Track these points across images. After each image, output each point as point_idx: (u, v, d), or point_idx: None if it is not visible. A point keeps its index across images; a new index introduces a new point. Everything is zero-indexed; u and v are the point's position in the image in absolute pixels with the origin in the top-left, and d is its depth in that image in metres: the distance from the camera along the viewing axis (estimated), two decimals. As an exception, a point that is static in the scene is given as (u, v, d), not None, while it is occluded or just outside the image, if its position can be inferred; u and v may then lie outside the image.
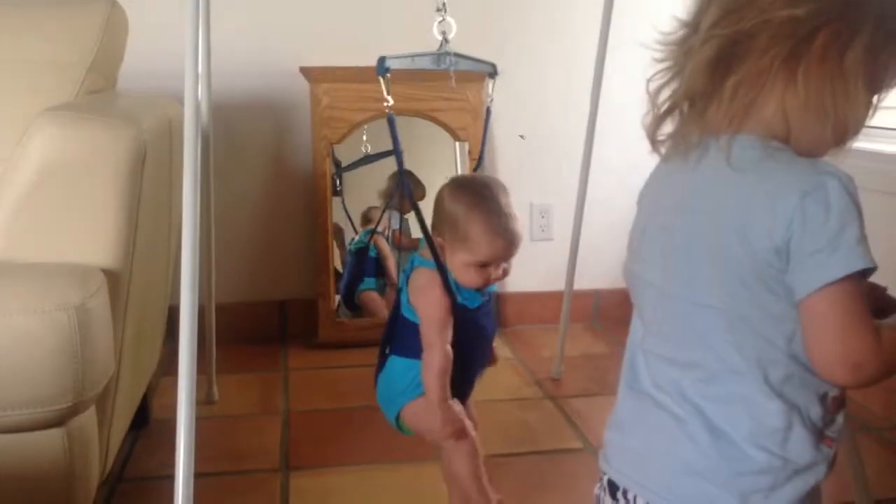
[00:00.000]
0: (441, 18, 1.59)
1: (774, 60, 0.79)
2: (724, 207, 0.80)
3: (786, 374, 0.79)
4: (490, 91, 1.71)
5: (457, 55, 1.61)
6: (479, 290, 1.44)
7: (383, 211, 2.57)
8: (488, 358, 1.53)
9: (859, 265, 0.75)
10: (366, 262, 2.53)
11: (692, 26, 0.83)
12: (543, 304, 2.69)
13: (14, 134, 1.41)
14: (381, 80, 1.49)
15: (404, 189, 1.58)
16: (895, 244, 1.90)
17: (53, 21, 1.73)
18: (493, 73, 1.71)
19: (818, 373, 0.78)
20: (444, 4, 1.60)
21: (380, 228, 2.56)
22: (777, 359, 0.79)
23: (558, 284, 2.32)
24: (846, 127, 0.81)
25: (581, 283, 2.38)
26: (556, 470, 1.77)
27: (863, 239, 0.75)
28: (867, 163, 2.03)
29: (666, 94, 0.85)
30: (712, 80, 0.81)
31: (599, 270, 2.61)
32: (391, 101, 1.48)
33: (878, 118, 2.31)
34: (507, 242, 1.40)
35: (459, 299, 1.42)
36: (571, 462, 1.80)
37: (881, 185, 1.99)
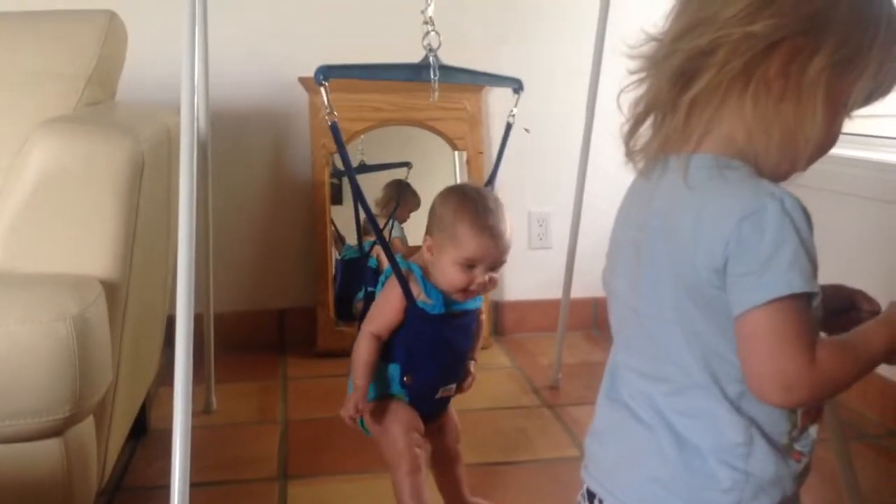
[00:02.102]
0: (427, 31, 1.59)
1: (728, 76, 0.78)
2: (676, 226, 0.80)
3: (741, 389, 0.79)
4: (513, 106, 1.72)
5: (444, 67, 1.61)
6: (461, 293, 1.44)
7: (388, 221, 2.58)
8: (457, 377, 1.53)
9: (786, 290, 0.73)
10: (365, 273, 2.54)
11: (658, 39, 0.84)
12: (542, 312, 2.69)
13: (13, 145, 1.42)
14: (322, 90, 1.47)
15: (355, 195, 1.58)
16: (893, 251, 1.91)
17: (53, 33, 1.74)
18: (518, 89, 1.72)
19: (750, 391, 0.78)
20: (430, 18, 1.60)
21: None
22: (732, 374, 0.79)
23: (557, 292, 2.32)
24: (796, 145, 0.80)
25: (579, 291, 2.38)
26: (553, 478, 1.77)
27: (795, 263, 0.74)
28: (865, 171, 2.04)
29: (639, 105, 0.86)
30: (672, 94, 0.82)
31: (597, 278, 2.58)
32: (332, 111, 1.47)
33: (875, 127, 2.30)
34: (493, 240, 1.41)
35: (419, 303, 1.44)
36: (569, 470, 1.80)
37: (879, 193, 2.00)
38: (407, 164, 2.61)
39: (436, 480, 1.59)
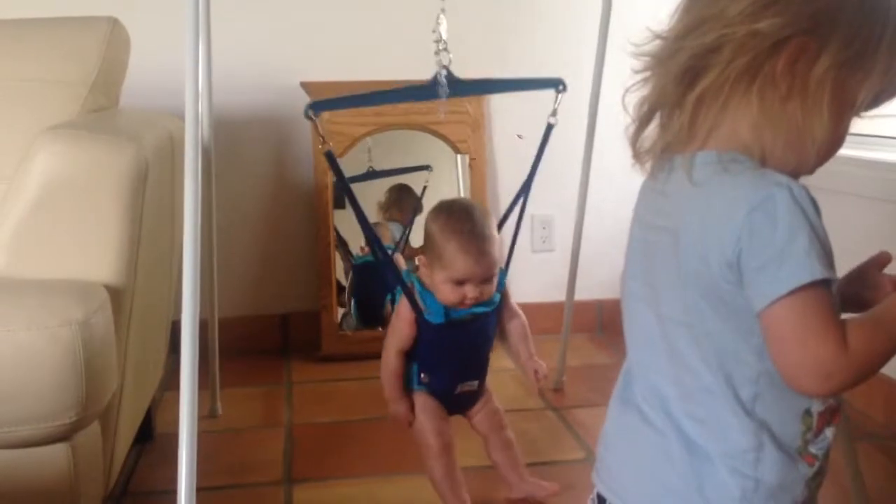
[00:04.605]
0: (440, 49, 1.61)
1: (734, 73, 0.78)
2: (684, 224, 0.80)
3: (756, 391, 0.78)
4: (555, 105, 1.75)
5: (460, 81, 1.63)
6: (459, 306, 1.52)
7: (373, 224, 2.57)
8: (477, 374, 1.62)
9: (807, 277, 0.73)
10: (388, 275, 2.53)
11: (663, 37, 0.83)
12: (545, 315, 2.68)
13: (17, 152, 1.43)
14: (314, 124, 1.53)
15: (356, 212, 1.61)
16: (894, 252, 1.91)
17: (55, 40, 1.75)
18: (561, 89, 1.75)
19: (788, 385, 0.77)
20: (445, 42, 1.61)
21: (387, 242, 2.56)
22: (746, 375, 0.78)
23: (560, 295, 2.33)
24: (803, 144, 0.79)
25: (583, 294, 2.39)
26: (558, 480, 1.76)
27: (812, 250, 0.73)
28: (867, 171, 2.04)
29: (644, 105, 0.85)
30: (678, 92, 0.81)
31: (601, 280, 2.61)
32: (325, 141, 1.54)
33: (877, 127, 2.29)
34: (478, 261, 1.49)
35: (426, 315, 1.52)
36: (574, 472, 1.80)
37: (881, 193, 2.00)
38: (427, 168, 2.60)
39: (495, 466, 1.68)
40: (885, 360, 0.77)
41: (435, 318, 1.53)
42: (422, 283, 1.54)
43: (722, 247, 0.75)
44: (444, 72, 1.61)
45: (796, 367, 0.75)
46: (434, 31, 1.61)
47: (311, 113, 1.51)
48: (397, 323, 1.57)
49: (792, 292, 0.73)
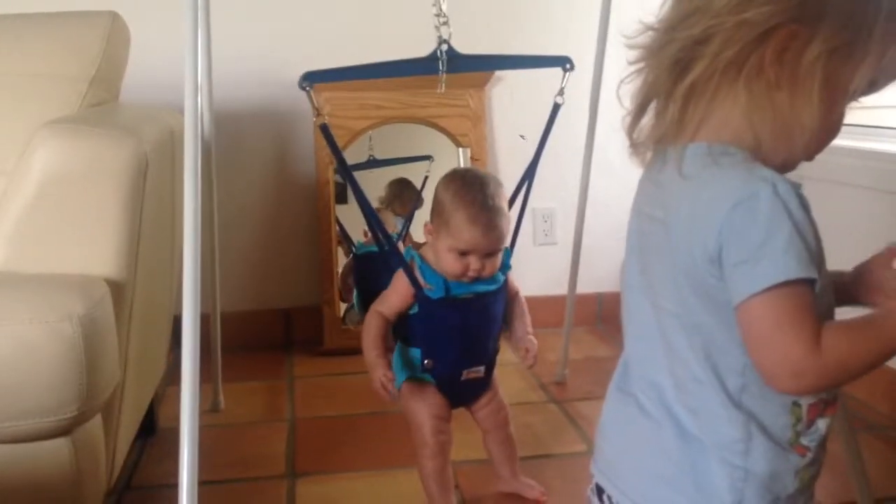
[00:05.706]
0: (440, 23, 1.60)
1: (722, 64, 0.77)
2: (674, 217, 0.80)
3: (742, 383, 0.78)
4: (562, 84, 1.73)
5: (462, 56, 1.62)
6: (459, 279, 1.49)
7: (407, 222, 2.57)
8: (483, 359, 1.58)
9: (782, 276, 0.72)
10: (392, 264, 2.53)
11: (655, 28, 0.83)
12: (547, 308, 2.68)
13: (17, 147, 1.43)
14: (308, 95, 1.53)
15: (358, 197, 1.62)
16: (891, 240, 1.91)
17: (55, 34, 1.75)
18: (568, 68, 1.73)
19: (765, 382, 0.76)
20: (445, 16, 1.60)
21: (390, 229, 2.56)
22: (733, 367, 0.78)
23: (562, 288, 2.33)
24: (791, 133, 0.78)
25: (584, 287, 2.38)
26: (561, 474, 1.77)
27: (791, 248, 0.72)
28: (865, 161, 2.04)
29: (638, 96, 0.85)
30: (669, 83, 0.81)
31: (602, 273, 2.61)
32: (320, 113, 1.55)
33: (874, 117, 2.28)
34: (485, 233, 1.46)
35: (425, 290, 1.50)
36: (577, 465, 1.80)
37: (877, 183, 2.00)
38: (429, 158, 2.59)
39: (490, 458, 1.66)
40: (863, 368, 0.76)
41: (434, 293, 1.49)
42: (423, 258, 1.52)
43: (705, 242, 0.75)
44: (444, 46, 1.60)
45: (769, 364, 0.75)
46: (434, 5, 1.60)
47: (305, 84, 1.51)
48: (392, 292, 1.53)
49: (766, 290, 0.73)
